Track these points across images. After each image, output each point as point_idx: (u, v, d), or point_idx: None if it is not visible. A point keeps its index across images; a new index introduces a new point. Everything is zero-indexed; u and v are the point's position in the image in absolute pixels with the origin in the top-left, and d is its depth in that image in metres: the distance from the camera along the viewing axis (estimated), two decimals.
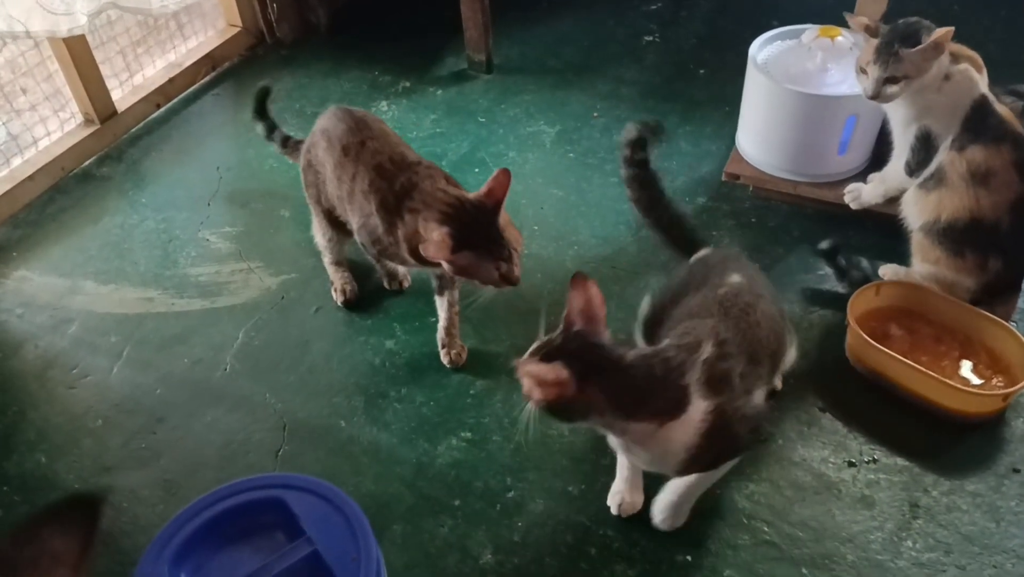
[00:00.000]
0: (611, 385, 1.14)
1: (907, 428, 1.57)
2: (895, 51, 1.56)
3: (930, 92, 1.59)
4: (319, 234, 1.85)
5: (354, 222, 1.66)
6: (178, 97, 2.58)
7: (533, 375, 1.12)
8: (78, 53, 2.26)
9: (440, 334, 1.74)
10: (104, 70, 2.38)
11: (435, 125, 2.41)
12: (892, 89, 1.60)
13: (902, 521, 1.43)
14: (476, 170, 2.23)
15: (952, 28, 1.55)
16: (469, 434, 1.62)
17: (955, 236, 1.61)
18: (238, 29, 2.74)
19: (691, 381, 1.17)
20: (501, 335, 1.80)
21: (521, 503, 1.50)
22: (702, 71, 2.53)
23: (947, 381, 1.54)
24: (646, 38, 2.69)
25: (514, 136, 2.34)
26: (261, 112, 2.07)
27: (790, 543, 1.42)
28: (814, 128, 1.90)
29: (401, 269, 1.88)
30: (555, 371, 1.10)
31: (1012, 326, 1.61)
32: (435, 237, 1.43)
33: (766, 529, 1.44)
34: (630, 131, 1.56)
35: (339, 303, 1.88)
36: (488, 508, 1.50)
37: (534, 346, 1.19)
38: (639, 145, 1.56)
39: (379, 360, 1.77)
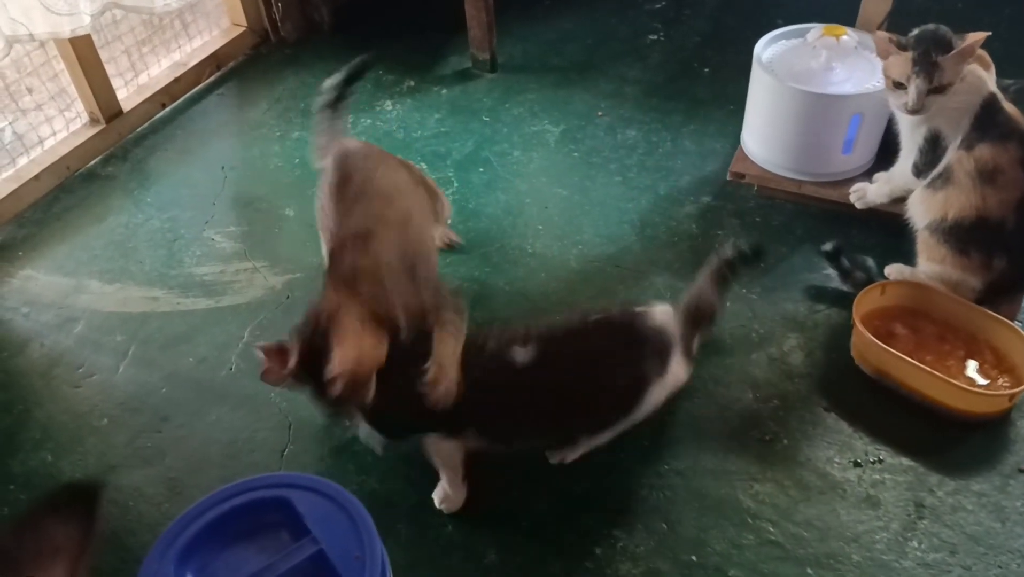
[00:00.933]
0: None
1: (912, 428, 1.56)
2: (935, 60, 1.55)
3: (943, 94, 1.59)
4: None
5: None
6: (183, 96, 2.58)
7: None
8: (83, 53, 2.26)
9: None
10: (109, 70, 2.38)
11: (439, 124, 2.41)
12: (936, 99, 1.58)
13: (907, 521, 1.43)
14: (480, 169, 2.23)
15: (988, 33, 1.54)
16: None
17: (961, 235, 1.61)
18: (242, 28, 2.74)
19: None
20: None
21: (524, 502, 1.50)
22: (706, 70, 2.53)
23: (952, 381, 1.53)
24: (650, 37, 2.69)
25: (518, 135, 2.34)
26: (350, 82, 1.84)
27: (795, 543, 1.42)
28: (819, 127, 1.90)
29: None
30: None
31: (1017, 325, 1.60)
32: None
33: (771, 529, 1.44)
34: (726, 250, 1.59)
35: None
36: (492, 506, 1.50)
37: None
38: (731, 266, 1.58)
39: None
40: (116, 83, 2.42)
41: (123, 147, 2.41)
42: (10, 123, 2.35)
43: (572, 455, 1.52)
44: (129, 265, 2.04)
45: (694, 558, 1.40)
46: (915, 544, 1.40)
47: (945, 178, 1.61)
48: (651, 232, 2.01)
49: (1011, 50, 2.13)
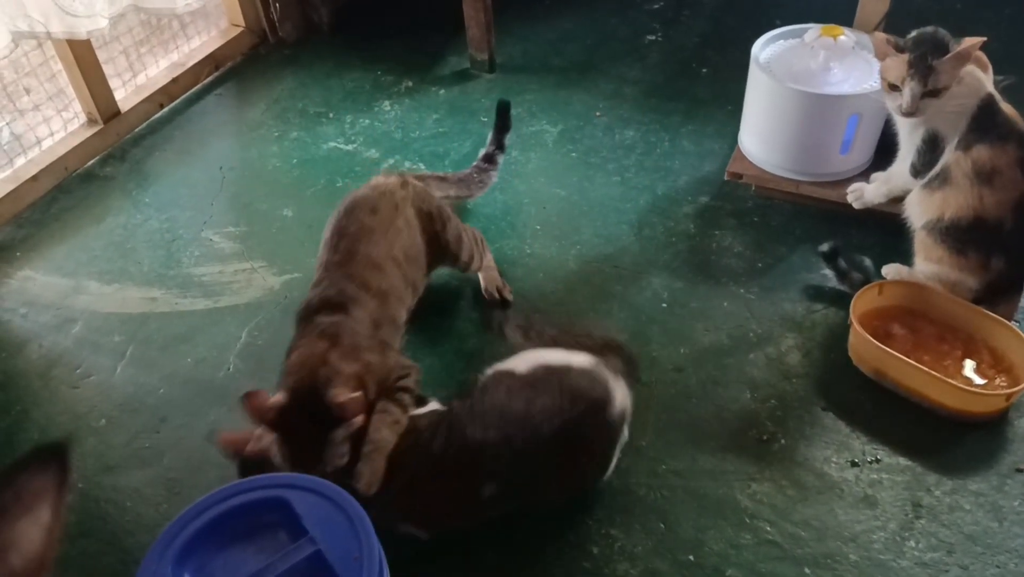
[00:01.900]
0: None
1: (910, 428, 1.57)
2: (930, 64, 1.55)
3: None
4: None
5: None
6: (181, 97, 2.58)
7: None
8: (81, 53, 2.26)
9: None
10: (107, 70, 2.38)
11: (438, 125, 2.41)
12: (931, 102, 1.58)
13: (905, 521, 1.43)
14: None
15: (984, 39, 1.54)
16: None
17: (958, 235, 1.61)
18: (241, 29, 2.74)
19: None
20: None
21: None
22: (705, 70, 2.53)
23: (950, 381, 1.54)
24: (649, 37, 2.69)
25: (516, 135, 2.34)
26: (502, 130, 2.02)
27: (793, 542, 1.42)
28: (817, 127, 1.90)
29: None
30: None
31: (1015, 325, 1.61)
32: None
33: (768, 528, 1.44)
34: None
35: None
36: None
37: None
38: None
39: None
40: (114, 83, 2.42)
41: (121, 147, 2.41)
42: (8, 124, 2.35)
43: None
44: (127, 266, 2.04)
45: (692, 558, 1.40)
46: (913, 544, 1.40)
47: (943, 178, 1.62)
48: (649, 232, 2.01)
49: (1011, 50, 2.13)
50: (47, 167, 2.26)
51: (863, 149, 1.96)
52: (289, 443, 1.30)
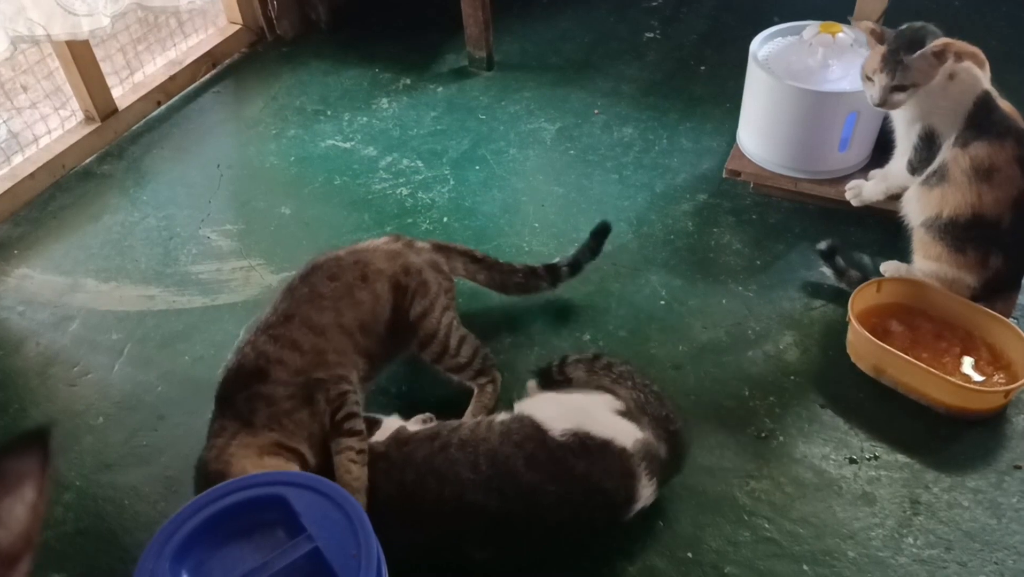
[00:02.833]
0: None
1: (908, 425, 1.57)
2: (901, 59, 1.55)
3: (934, 93, 1.59)
4: None
5: None
6: (179, 95, 2.58)
7: None
8: (79, 51, 2.26)
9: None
10: (104, 68, 2.38)
11: (436, 122, 2.40)
12: (899, 96, 1.59)
13: (903, 518, 1.43)
14: (476, 167, 2.23)
15: (949, 40, 1.54)
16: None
17: (957, 232, 1.61)
18: (238, 26, 2.74)
19: None
20: (502, 334, 1.80)
21: None
22: (703, 68, 2.53)
23: (948, 378, 1.54)
24: (647, 35, 2.69)
25: (515, 133, 2.34)
26: (596, 251, 1.82)
27: (791, 540, 1.42)
28: (815, 125, 1.90)
29: None
30: None
31: (1013, 323, 1.61)
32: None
33: (767, 526, 1.44)
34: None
35: None
36: None
37: None
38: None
39: None
40: (111, 81, 2.42)
41: (119, 145, 2.41)
42: (5, 121, 2.34)
43: None
44: (125, 263, 2.04)
45: (690, 555, 1.40)
46: (911, 540, 1.40)
47: (940, 175, 1.62)
48: (647, 230, 2.01)
49: (1008, 48, 2.13)
50: (44, 165, 2.26)
51: (861, 146, 1.96)
52: None
